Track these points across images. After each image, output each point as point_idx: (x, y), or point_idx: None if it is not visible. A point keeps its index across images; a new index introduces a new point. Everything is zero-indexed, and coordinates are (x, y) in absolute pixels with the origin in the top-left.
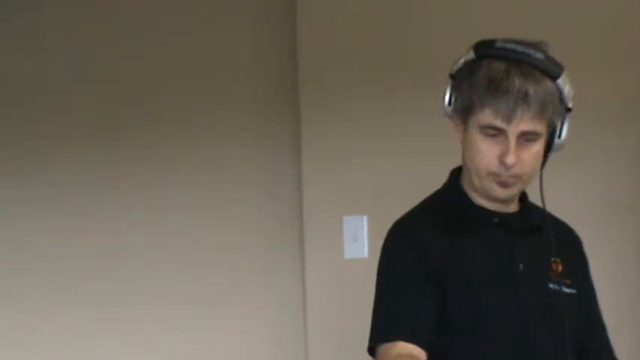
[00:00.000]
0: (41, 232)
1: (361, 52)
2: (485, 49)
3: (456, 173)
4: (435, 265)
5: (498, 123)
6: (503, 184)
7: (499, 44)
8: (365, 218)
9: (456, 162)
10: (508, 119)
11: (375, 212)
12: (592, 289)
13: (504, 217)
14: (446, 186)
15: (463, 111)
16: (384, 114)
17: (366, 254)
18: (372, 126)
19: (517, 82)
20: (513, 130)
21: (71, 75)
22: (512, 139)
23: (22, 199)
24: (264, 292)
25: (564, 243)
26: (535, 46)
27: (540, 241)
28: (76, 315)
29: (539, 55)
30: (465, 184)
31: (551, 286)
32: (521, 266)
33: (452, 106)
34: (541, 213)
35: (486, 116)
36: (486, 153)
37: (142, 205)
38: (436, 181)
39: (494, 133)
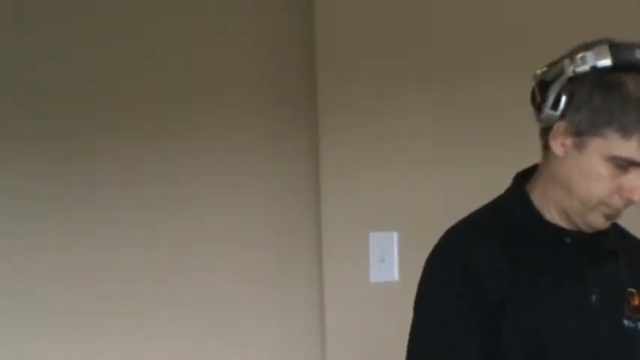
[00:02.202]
0: (46, 229)
1: (387, 52)
2: (627, 59)
3: (522, 179)
4: (491, 298)
5: None
6: (611, 217)
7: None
8: (395, 235)
9: (500, 171)
10: None
11: (407, 228)
12: None
13: (578, 237)
14: (509, 194)
15: (585, 126)
16: (414, 117)
17: (396, 277)
18: (401, 130)
19: None
20: None
21: (72, 75)
22: None
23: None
24: (277, 321)
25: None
26: None
27: (617, 268)
28: (84, 311)
29: None
30: (537, 196)
31: (625, 322)
32: (593, 297)
33: (560, 112)
34: (621, 233)
35: (630, 148)
36: (608, 184)
37: (148, 216)
38: (476, 192)
39: (626, 165)
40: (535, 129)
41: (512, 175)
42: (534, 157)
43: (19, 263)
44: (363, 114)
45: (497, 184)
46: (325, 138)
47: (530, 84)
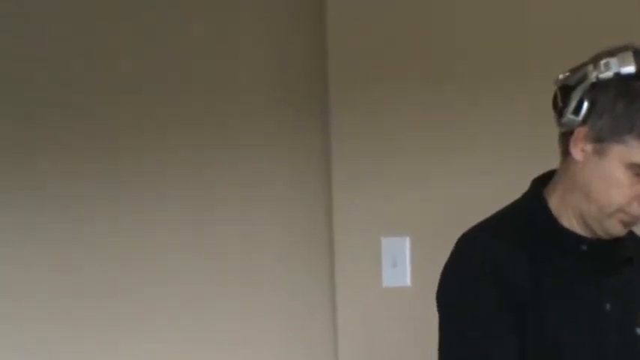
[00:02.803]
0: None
1: (401, 56)
2: None
3: (540, 184)
4: (518, 298)
5: None
6: (628, 224)
7: None
8: (407, 240)
9: (511, 176)
10: None
11: (420, 233)
12: None
13: (594, 244)
14: (527, 199)
15: (606, 132)
16: (427, 122)
17: (408, 282)
18: (414, 135)
19: None
20: None
21: (74, 74)
22: None
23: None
24: (290, 326)
25: None
26: None
27: (632, 276)
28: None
29: None
30: (555, 201)
31: (638, 331)
32: (608, 306)
33: (581, 118)
34: (635, 240)
35: None
36: (627, 191)
37: (161, 218)
38: (488, 197)
39: None
40: (547, 133)
41: (523, 180)
42: (546, 161)
43: (19, 265)
44: (375, 119)
45: (508, 190)
46: (337, 143)
47: (543, 88)
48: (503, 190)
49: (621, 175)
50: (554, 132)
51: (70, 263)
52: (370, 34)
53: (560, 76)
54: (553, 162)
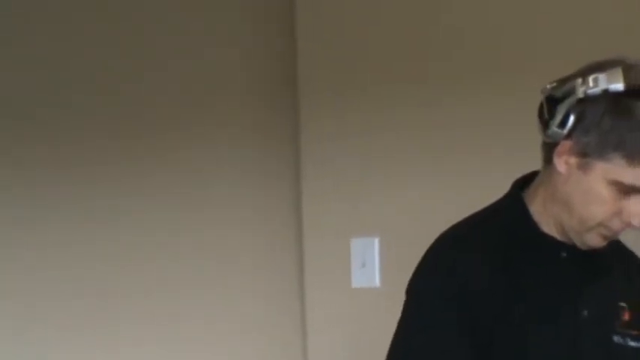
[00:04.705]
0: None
1: (372, 55)
2: (639, 85)
3: (521, 187)
4: (483, 313)
5: None
6: (607, 238)
7: None
8: (376, 240)
9: (483, 179)
10: None
11: (389, 234)
12: None
13: (573, 251)
14: (507, 203)
15: (592, 148)
16: (397, 124)
17: (377, 283)
18: (383, 138)
19: None
20: None
21: (63, 77)
22: None
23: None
24: (259, 327)
25: (634, 282)
26: None
27: (610, 282)
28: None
29: None
30: (535, 207)
31: (615, 339)
32: (585, 313)
33: (567, 131)
34: (614, 245)
35: (635, 176)
36: (609, 207)
37: (125, 223)
38: (458, 199)
39: (628, 190)
40: (521, 137)
41: (496, 183)
42: (520, 166)
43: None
44: (345, 121)
45: (479, 192)
46: (307, 145)
47: (517, 95)
48: (472, 194)
49: (604, 191)
50: (528, 136)
51: (47, 263)
52: (339, 36)
53: (548, 86)
54: (526, 166)
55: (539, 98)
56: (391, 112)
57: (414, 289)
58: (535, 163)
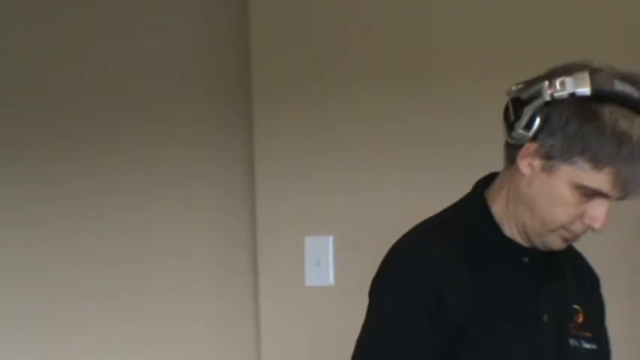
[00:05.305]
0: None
1: (324, 55)
2: (606, 89)
3: (483, 188)
4: (451, 313)
5: (611, 192)
6: (568, 240)
7: (619, 87)
8: (330, 239)
9: (438, 177)
10: (626, 193)
11: (343, 232)
12: (608, 341)
13: (534, 255)
14: (469, 204)
15: (557, 152)
16: (351, 120)
17: (331, 281)
18: (337, 135)
19: None
20: (619, 198)
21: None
22: (610, 205)
23: None
24: (213, 325)
25: (585, 285)
26: None
27: (566, 285)
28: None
29: None
30: (498, 209)
31: (571, 342)
32: (545, 317)
33: (532, 134)
34: (567, 247)
35: (599, 180)
36: (571, 210)
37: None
38: (412, 197)
39: (591, 194)
40: (480, 141)
41: (451, 183)
42: (479, 166)
43: None
44: (299, 117)
45: (434, 190)
46: (260, 142)
47: (479, 94)
48: (426, 192)
49: (568, 194)
50: (489, 136)
51: (8, 265)
52: (293, 33)
53: (513, 88)
54: (487, 166)
55: (504, 99)
56: (347, 110)
57: (379, 290)
58: (495, 164)
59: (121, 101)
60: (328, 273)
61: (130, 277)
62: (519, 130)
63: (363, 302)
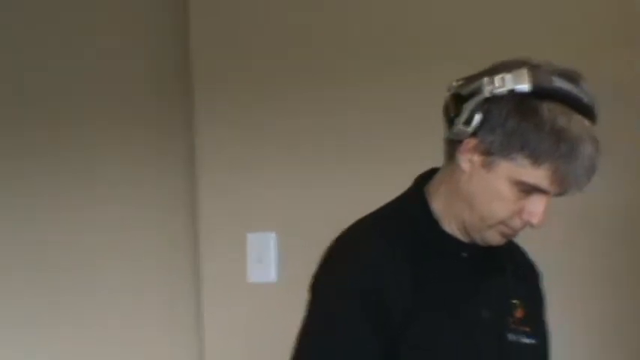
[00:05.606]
0: None
1: (263, 53)
2: (545, 86)
3: (423, 183)
4: (394, 318)
5: (549, 187)
6: (507, 236)
7: (557, 83)
8: (273, 235)
9: (380, 172)
10: (564, 189)
11: (286, 228)
12: (548, 335)
13: (473, 251)
14: (409, 200)
15: (497, 148)
16: (293, 117)
17: (273, 278)
18: (280, 131)
19: (590, 150)
20: (557, 194)
21: None
22: (548, 201)
23: None
24: (155, 321)
25: (526, 280)
26: (583, 83)
27: (505, 280)
28: None
29: (595, 104)
30: (437, 205)
31: (509, 336)
32: (484, 312)
33: (472, 130)
34: (507, 244)
35: (538, 176)
36: (510, 206)
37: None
38: (355, 193)
39: (530, 190)
40: (420, 137)
41: (393, 176)
42: (420, 162)
43: None
44: (241, 114)
45: (377, 186)
46: (202, 138)
47: (418, 91)
48: (369, 187)
49: (507, 190)
50: (429, 133)
51: None
52: (234, 28)
53: (454, 84)
54: (427, 162)
55: (443, 96)
56: (288, 106)
57: (319, 285)
58: (437, 159)
59: (61, 100)
60: (271, 269)
61: (70, 276)
62: (459, 126)
63: (306, 299)
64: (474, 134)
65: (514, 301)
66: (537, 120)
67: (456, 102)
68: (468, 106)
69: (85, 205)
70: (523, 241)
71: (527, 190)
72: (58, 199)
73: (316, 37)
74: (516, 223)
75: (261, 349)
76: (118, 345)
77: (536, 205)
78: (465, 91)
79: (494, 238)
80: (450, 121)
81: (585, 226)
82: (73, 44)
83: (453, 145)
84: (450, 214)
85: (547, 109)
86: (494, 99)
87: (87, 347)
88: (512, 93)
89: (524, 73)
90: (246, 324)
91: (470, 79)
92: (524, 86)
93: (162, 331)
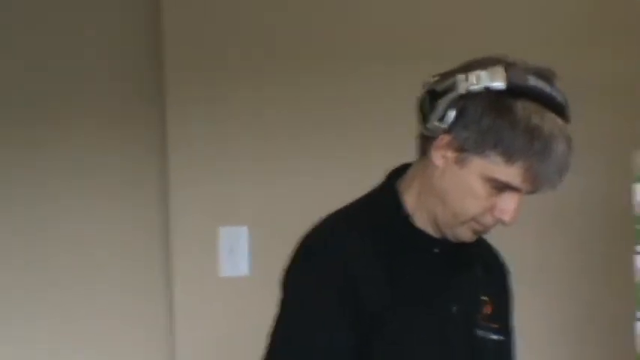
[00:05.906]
0: None
1: (234, 47)
2: (520, 84)
3: (395, 178)
4: (365, 301)
5: (522, 185)
6: (478, 233)
7: (532, 82)
8: (245, 229)
9: (354, 166)
10: (537, 187)
11: (258, 222)
12: (514, 332)
13: (445, 246)
14: (381, 194)
15: (470, 145)
16: (265, 111)
17: (246, 272)
18: (252, 125)
19: (563, 148)
20: (529, 191)
21: None
22: (520, 198)
23: None
24: (125, 319)
25: (494, 277)
26: (555, 82)
27: (474, 276)
28: None
29: (567, 103)
30: (410, 200)
31: (478, 332)
32: (454, 308)
33: (446, 126)
34: (477, 241)
35: (510, 174)
36: (482, 203)
37: None
38: (328, 187)
39: (502, 187)
40: (395, 132)
41: (365, 170)
42: (393, 157)
43: None
44: (212, 107)
45: (349, 180)
46: (173, 131)
47: (394, 86)
48: (343, 181)
49: (479, 186)
50: (403, 128)
51: None
52: (207, 20)
53: (429, 80)
54: (400, 157)
55: (419, 92)
56: (259, 99)
57: (291, 280)
58: (410, 155)
59: (32, 96)
60: (243, 264)
61: (39, 270)
62: (434, 122)
63: (278, 292)
64: (448, 131)
65: (483, 298)
66: (512, 118)
67: (431, 98)
68: (443, 103)
69: (54, 198)
70: (498, 238)
71: (500, 187)
72: (30, 192)
73: (290, 29)
74: (488, 219)
75: (233, 343)
76: (88, 339)
77: (508, 203)
78: (439, 88)
79: (465, 234)
80: (425, 117)
81: (560, 223)
82: (46, 43)
83: (426, 141)
84: (422, 210)
85: (521, 107)
86: (469, 96)
87: (53, 342)
88: (487, 90)
89: (499, 70)
90: (218, 318)
91: (445, 76)
92: (500, 84)
93: (134, 326)
